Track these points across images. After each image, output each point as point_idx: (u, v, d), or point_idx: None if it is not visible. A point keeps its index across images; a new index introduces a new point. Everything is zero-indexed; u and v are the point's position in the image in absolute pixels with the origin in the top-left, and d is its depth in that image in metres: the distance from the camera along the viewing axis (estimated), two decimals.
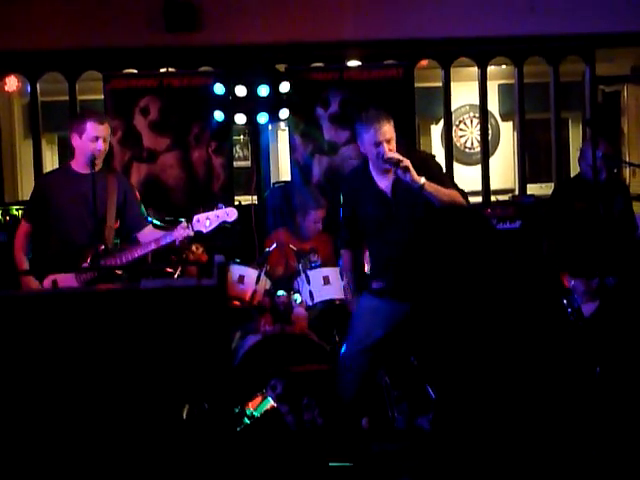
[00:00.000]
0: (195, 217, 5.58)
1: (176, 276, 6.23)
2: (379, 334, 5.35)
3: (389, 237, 5.31)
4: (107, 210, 5.56)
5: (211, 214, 5.60)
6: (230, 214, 5.65)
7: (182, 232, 5.54)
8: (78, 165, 5.62)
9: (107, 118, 5.77)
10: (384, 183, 5.36)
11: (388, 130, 5.25)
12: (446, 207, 4.96)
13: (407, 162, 5.08)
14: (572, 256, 6.05)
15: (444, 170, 5.67)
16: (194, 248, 6.20)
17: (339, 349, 6.29)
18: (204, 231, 5.59)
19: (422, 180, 5.11)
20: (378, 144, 5.21)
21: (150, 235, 5.71)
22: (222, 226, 5.68)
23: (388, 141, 5.23)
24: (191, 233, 5.55)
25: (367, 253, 5.79)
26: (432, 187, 5.16)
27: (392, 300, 5.28)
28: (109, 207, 5.56)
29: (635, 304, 5.87)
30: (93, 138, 5.51)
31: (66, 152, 10.33)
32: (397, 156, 5.13)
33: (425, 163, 5.35)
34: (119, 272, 5.60)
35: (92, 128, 5.52)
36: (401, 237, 5.17)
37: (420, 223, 5.01)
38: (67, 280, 5.42)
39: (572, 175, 7.01)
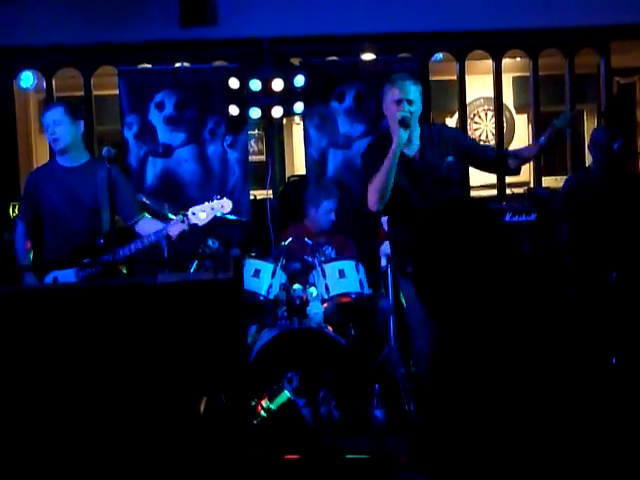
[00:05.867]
0: (190, 210, 5.58)
1: (192, 270, 6.25)
2: None
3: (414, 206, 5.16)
4: (99, 202, 5.49)
5: (206, 206, 5.60)
6: (225, 206, 5.65)
7: (177, 227, 5.52)
8: (60, 158, 5.64)
9: (60, 104, 5.74)
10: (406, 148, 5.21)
11: (412, 90, 5.11)
12: (452, 200, 4.89)
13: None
14: (582, 246, 6.04)
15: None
16: (210, 242, 6.22)
17: (355, 342, 6.32)
18: (199, 224, 5.59)
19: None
20: (399, 102, 5.09)
21: (148, 228, 5.69)
22: (218, 218, 5.70)
23: (410, 102, 5.09)
24: (186, 227, 5.54)
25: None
26: None
27: None
28: (100, 199, 5.48)
29: None
30: (46, 127, 5.57)
31: None
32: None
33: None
34: (120, 267, 5.62)
35: (43, 118, 5.59)
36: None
37: (423, 216, 4.92)
38: (67, 276, 5.43)
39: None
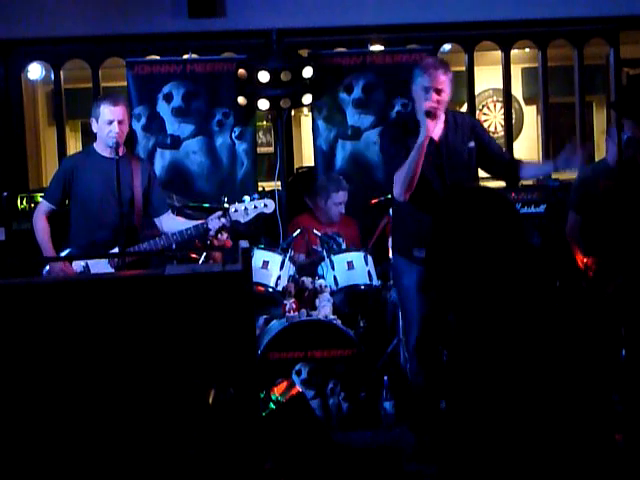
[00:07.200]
0: (232, 207, 5.59)
1: (200, 262, 6.25)
2: None
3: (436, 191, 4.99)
4: (134, 195, 5.58)
5: (249, 204, 5.61)
6: (268, 205, 5.67)
7: (217, 222, 5.53)
8: (100, 148, 5.64)
9: (123, 100, 5.70)
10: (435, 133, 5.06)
11: (443, 81, 4.98)
12: (470, 188, 4.79)
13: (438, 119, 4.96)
14: (594, 235, 5.99)
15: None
16: (218, 234, 6.22)
17: (364, 334, 6.30)
18: (242, 221, 5.61)
19: None
20: (427, 90, 4.95)
21: (174, 223, 5.72)
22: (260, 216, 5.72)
23: (438, 91, 4.95)
24: (227, 224, 5.55)
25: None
26: None
27: None
28: (135, 192, 5.58)
29: None
30: (107, 121, 5.51)
31: (89, 139, 10.36)
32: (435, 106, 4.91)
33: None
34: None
35: (106, 111, 5.52)
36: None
37: (440, 203, 4.80)
38: (100, 265, 5.44)
39: (597, 159, 6.97)
